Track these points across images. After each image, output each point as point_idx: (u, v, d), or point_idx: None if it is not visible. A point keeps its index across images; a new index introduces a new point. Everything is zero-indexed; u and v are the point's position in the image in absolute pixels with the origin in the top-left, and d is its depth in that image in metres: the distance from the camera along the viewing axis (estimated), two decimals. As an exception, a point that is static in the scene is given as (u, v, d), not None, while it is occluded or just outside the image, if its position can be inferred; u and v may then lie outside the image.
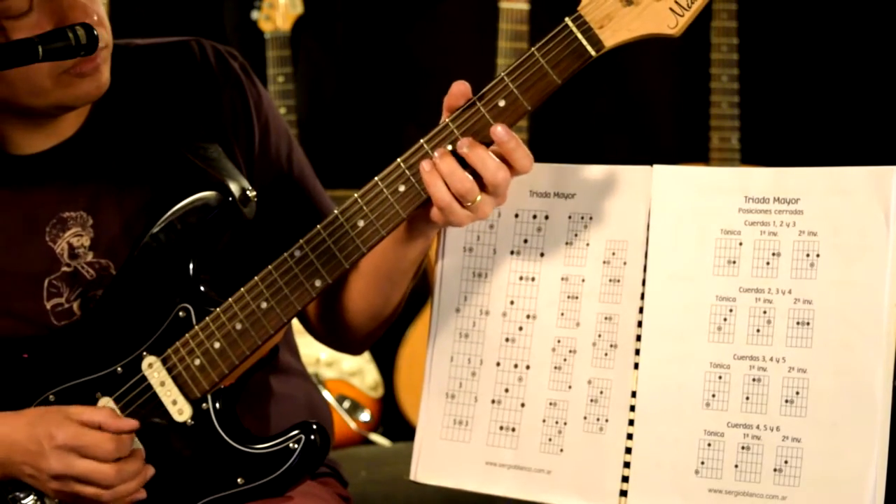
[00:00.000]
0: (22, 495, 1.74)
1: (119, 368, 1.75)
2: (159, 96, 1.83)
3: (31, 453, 1.69)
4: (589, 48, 1.56)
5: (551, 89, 1.57)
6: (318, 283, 1.66)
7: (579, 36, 1.56)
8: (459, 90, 1.60)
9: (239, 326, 1.70)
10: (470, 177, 1.58)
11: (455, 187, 1.58)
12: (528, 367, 1.68)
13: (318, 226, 1.65)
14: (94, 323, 1.77)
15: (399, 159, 1.62)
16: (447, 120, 1.60)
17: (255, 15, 3.74)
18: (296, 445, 1.70)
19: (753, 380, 1.57)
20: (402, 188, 1.61)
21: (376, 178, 1.62)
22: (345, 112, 3.94)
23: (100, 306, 1.77)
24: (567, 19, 1.56)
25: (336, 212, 1.64)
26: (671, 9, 1.55)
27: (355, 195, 1.63)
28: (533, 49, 1.57)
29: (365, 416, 3.46)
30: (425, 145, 1.60)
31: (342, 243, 1.65)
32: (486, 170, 1.58)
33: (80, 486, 1.69)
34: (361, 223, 1.63)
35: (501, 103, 1.58)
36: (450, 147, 1.60)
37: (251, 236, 1.81)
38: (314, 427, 1.71)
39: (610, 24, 1.55)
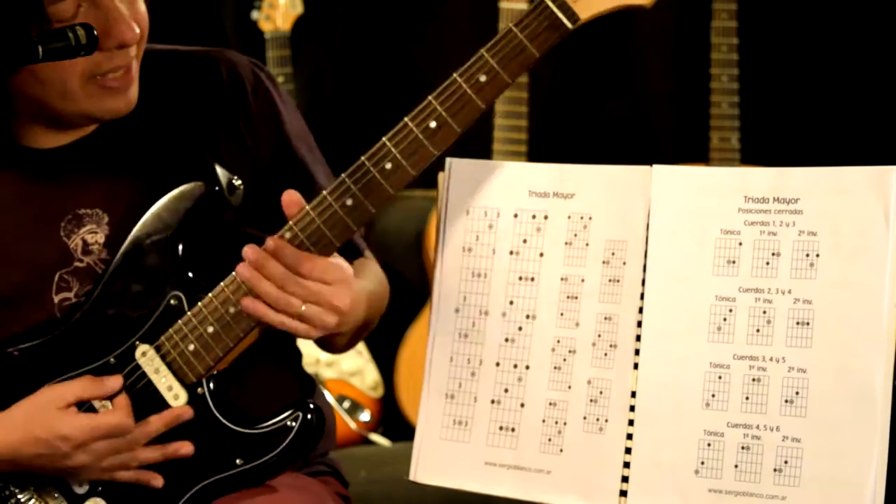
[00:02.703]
0: (23, 498, 1.74)
1: (112, 359, 1.75)
2: (182, 102, 1.84)
3: (47, 457, 1.70)
4: (565, 21, 1.61)
5: (530, 62, 1.63)
6: None
7: (555, 10, 1.61)
8: (291, 199, 1.68)
9: (232, 310, 1.71)
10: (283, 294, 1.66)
11: (275, 305, 1.67)
12: (527, 368, 1.68)
13: (307, 207, 1.68)
14: (87, 315, 1.77)
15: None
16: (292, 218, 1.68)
17: (255, 15, 3.74)
18: (293, 423, 1.71)
19: (753, 380, 1.57)
20: (388, 166, 1.66)
21: (363, 158, 1.66)
22: (345, 112, 3.94)
23: (92, 299, 1.78)
24: None
25: (324, 192, 1.67)
26: None
27: (343, 175, 1.67)
28: (510, 25, 1.63)
29: (365, 416, 3.46)
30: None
31: (331, 224, 1.68)
32: (262, 294, 1.67)
33: (112, 458, 1.72)
34: (349, 202, 1.66)
35: (483, 78, 1.63)
36: None
37: (247, 229, 1.82)
38: (310, 405, 1.73)
39: None
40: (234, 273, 1.70)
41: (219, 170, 1.75)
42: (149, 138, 1.82)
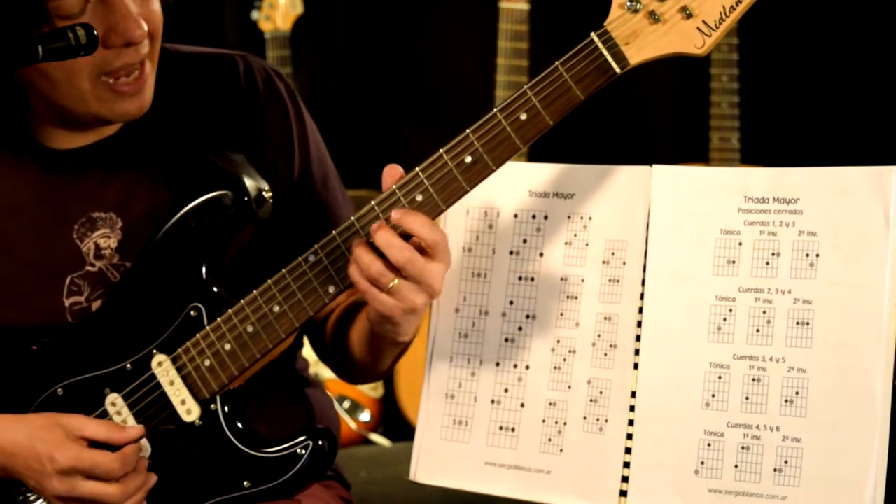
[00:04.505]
0: (32, 497, 1.74)
1: (128, 365, 1.74)
2: (200, 108, 1.83)
3: (34, 471, 1.69)
4: (614, 65, 1.55)
5: (574, 105, 1.56)
6: (331, 289, 1.65)
7: (604, 52, 1.55)
8: (391, 174, 1.61)
9: (250, 329, 1.69)
10: (378, 260, 1.57)
11: (367, 271, 1.58)
12: (527, 368, 1.68)
13: (334, 231, 1.64)
14: (106, 318, 1.76)
15: (418, 167, 1.61)
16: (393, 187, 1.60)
17: (255, 15, 3.75)
18: (303, 451, 1.70)
19: (753, 380, 1.57)
20: (419, 197, 1.60)
21: (394, 187, 1.61)
22: (344, 112, 3.94)
23: (112, 301, 1.77)
24: (593, 35, 1.55)
25: (353, 218, 1.63)
26: (699, 28, 1.54)
27: (372, 202, 1.62)
28: (557, 63, 1.56)
29: (365, 416, 3.46)
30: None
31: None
32: (389, 252, 1.56)
33: None
34: None
35: (523, 116, 1.57)
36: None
37: (271, 244, 1.81)
38: (322, 432, 1.71)
39: (636, 42, 1.55)
40: (255, 292, 1.68)
41: (248, 181, 1.72)
42: (168, 143, 1.80)
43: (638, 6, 1.54)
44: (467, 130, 1.59)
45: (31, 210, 1.79)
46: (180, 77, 1.83)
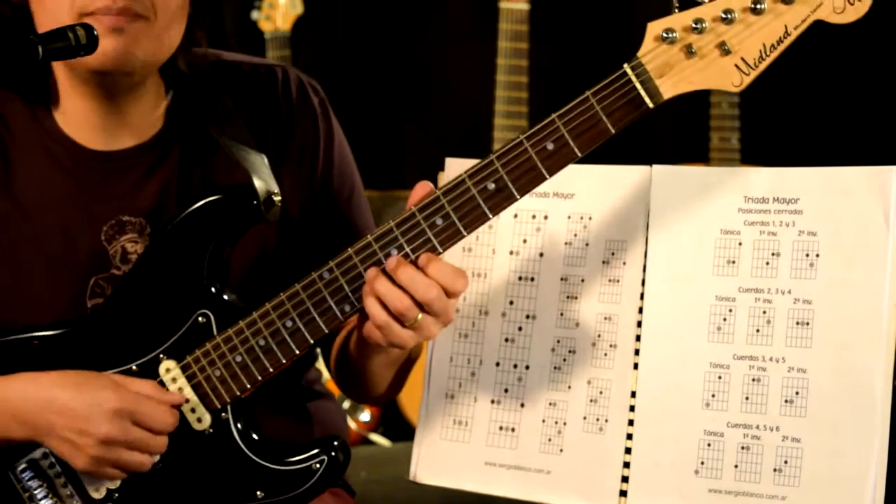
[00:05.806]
0: (34, 485, 1.73)
1: (134, 367, 1.73)
2: (237, 116, 1.82)
3: (79, 416, 1.65)
4: (646, 99, 1.51)
5: (604, 138, 1.54)
6: (347, 307, 1.62)
7: (637, 85, 1.51)
8: (424, 191, 1.59)
9: (262, 343, 1.66)
10: (406, 296, 1.56)
11: (392, 306, 1.56)
12: (527, 368, 1.68)
13: (350, 249, 1.61)
14: (112, 314, 1.75)
15: (438, 192, 1.59)
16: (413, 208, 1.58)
17: (255, 15, 3.75)
18: (318, 466, 1.69)
19: (753, 380, 1.57)
20: (439, 221, 1.58)
21: (414, 209, 1.59)
22: (344, 112, 3.94)
23: (117, 299, 1.75)
24: (626, 66, 1.51)
25: (370, 237, 1.61)
26: (737, 66, 1.51)
27: (391, 223, 1.59)
28: (588, 93, 1.53)
29: (365, 416, 3.46)
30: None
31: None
32: (415, 289, 1.55)
33: (128, 453, 1.67)
34: (394, 252, 1.60)
35: (550, 146, 1.54)
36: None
37: (291, 253, 1.81)
38: (336, 444, 1.70)
39: (670, 74, 1.51)
40: (267, 305, 1.66)
41: (257, 182, 1.71)
42: (200, 151, 1.80)
43: (675, 37, 1.50)
44: (492, 156, 1.55)
45: (62, 208, 1.78)
46: (221, 84, 1.83)
